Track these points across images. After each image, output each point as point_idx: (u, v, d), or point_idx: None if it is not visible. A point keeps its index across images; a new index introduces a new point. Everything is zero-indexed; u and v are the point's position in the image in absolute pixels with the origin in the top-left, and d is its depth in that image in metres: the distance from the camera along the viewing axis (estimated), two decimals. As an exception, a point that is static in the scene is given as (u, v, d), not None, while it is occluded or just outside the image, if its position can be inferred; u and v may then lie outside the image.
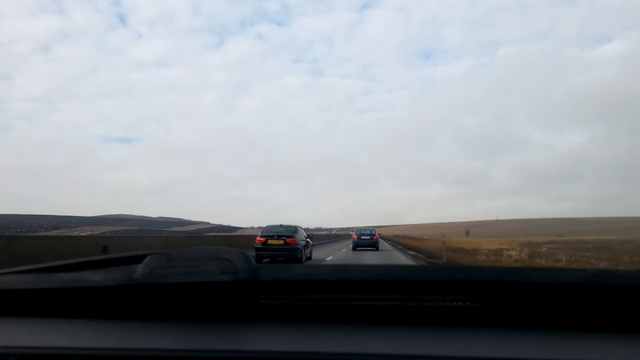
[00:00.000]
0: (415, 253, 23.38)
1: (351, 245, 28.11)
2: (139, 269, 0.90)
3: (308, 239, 16.96)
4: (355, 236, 27.84)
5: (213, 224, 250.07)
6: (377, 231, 30.49)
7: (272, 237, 14.95)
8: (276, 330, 0.87)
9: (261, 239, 14.95)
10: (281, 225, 15.69)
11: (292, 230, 15.33)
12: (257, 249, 14.76)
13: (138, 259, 0.94)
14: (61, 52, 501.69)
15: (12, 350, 0.77)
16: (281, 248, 14.63)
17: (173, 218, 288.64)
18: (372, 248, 26.67)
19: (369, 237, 27.15)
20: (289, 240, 14.74)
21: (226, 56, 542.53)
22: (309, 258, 16.40)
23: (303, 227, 16.94)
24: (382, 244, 32.05)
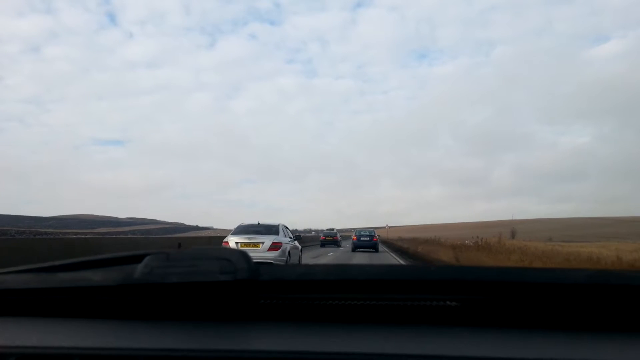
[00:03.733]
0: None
1: (344, 248, 27.87)
2: (139, 269, 0.89)
3: (339, 236, 38.25)
4: (354, 237, 27.52)
5: (188, 225, 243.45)
6: (377, 232, 30.01)
7: (328, 236, 36.91)
8: (276, 330, 0.87)
9: (323, 237, 36.89)
10: (331, 230, 42.53)
11: (335, 233, 37.99)
12: (321, 241, 36.06)
13: (138, 259, 0.93)
14: (51, 52, 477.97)
15: (12, 350, 0.77)
16: (330, 241, 35.61)
17: (143, 219, 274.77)
18: (371, 249, 26.17)
19: (368, 238, 26.76)
20: (334, 237, 36.15)
21: (218, 56, 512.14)
22: (339, 245, 35.48)
23: (298, 228, 41.64)
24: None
